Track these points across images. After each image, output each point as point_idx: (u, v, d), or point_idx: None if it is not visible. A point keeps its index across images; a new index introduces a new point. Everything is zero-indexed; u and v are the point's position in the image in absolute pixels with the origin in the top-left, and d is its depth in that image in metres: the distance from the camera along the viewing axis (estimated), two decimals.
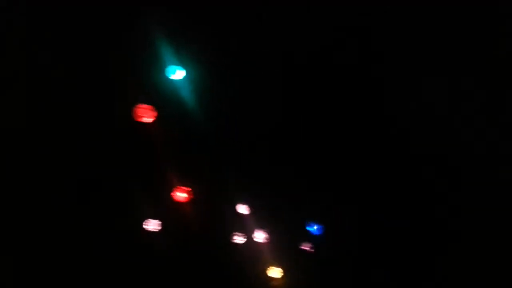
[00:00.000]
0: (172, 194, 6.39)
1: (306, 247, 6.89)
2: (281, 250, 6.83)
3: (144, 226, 6.28)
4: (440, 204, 6.13)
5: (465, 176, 6.02)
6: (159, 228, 6.29)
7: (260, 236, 6.83)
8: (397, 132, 6.18)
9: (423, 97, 5.87)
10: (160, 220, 6.32)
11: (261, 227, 6.77)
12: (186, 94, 5.86)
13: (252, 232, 6.78)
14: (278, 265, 6.84)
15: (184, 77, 5.86)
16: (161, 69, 5.78)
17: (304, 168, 6.68)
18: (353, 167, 6.54)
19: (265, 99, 6.25)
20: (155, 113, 5.88)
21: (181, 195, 6.41)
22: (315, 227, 6.92)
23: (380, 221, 6.50)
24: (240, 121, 6.27)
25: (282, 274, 6.82)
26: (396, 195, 6.40)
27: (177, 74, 5.85)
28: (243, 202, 6.73)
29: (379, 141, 6.33)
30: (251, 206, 6.72)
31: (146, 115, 5.85)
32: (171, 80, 5.86)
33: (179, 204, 6.43)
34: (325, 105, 6.44)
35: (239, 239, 6.70)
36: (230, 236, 6.71)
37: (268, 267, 6.83)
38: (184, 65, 5.80)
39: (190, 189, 6.42)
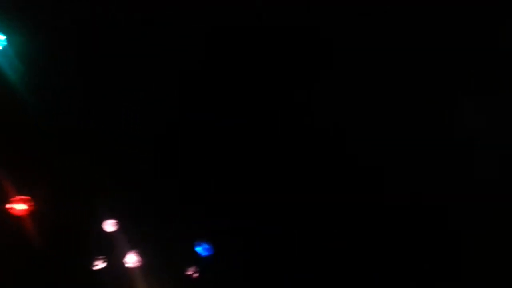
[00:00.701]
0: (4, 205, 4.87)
1: (191, 271, 5.42)
2: (158, 275, 5.40)
3: None
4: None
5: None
6: None
7: (131, 259, 5.40)
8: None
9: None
10: None
11: (134, 247, 5.41)
12: (8, 67, 4.47)
13: (121, 254, 5.42)
14: None
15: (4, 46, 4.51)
16: None
17: (189, 174, 5.39)
18: (242, 178, 5.40)
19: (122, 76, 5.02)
20: None
21: (17, 206, 4.86)
22: (203, 247, 5.54)
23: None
24: (90, 105, 4.99)
25: None
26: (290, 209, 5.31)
27: None
28: (109, 216, 5.36)
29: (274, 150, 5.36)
30: (120, 221, 5.37)
31: None
32: None
33: (14, 218, 4.90)
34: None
35: (100, 263, 5.24)
36: (89, 260, 5.29)
37: None
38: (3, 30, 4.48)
39: (30, 198, 4.94)
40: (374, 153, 5.11)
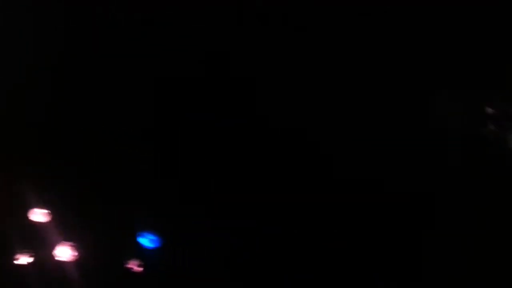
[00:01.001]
0: None
1: (133, 265, 4.71)
2: (95, 271, 4.68)
3: None
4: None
5: None
6: None
7: (64, 252, 4.64)
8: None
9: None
10: None
11: (66, 239, 4.69)
12: None
13: (52, 247, 4.66)
14: None
15: None
16: None
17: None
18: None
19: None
20: None
21: None
22: (148, 238, 4.81)
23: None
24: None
25: None
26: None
27: None
28: (39, 205, 4.71)
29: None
30: (51, 210, 4.73)
31: None
32: None
33: None
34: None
35: (25, 258, 4.57)
36: (11, 254, 4.60)
37: None
38: None
39: None
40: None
